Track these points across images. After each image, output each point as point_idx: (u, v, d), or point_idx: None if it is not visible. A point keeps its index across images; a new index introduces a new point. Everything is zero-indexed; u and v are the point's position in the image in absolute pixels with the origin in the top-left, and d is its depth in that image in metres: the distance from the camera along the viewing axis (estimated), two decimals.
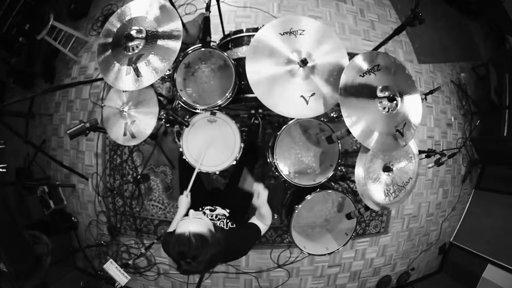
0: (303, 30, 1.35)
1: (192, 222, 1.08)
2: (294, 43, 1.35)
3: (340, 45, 1.38)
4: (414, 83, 1.38)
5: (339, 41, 1.38)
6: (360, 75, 1.25)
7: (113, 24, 1.48)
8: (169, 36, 1.35)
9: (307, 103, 1.33)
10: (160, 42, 1.35)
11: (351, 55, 1.30)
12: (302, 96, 1.33)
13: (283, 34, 1.34)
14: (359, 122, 1.22)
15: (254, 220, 1.34)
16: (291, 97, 1.33)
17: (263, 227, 1.34)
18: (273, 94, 1.31)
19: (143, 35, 1.39)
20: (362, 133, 1.23)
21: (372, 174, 1.47)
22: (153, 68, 1.34)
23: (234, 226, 1.32)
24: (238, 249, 1.26)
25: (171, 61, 1.31)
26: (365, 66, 1.26)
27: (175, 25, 1.35)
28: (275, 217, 2.36)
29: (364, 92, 1.26)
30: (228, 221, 1.33)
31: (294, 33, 1.35)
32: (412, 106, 1.34)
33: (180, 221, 1.14)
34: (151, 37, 1.37)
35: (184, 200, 1.44)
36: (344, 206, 1.84)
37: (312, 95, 1.34)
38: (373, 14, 2.85)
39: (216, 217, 1.35)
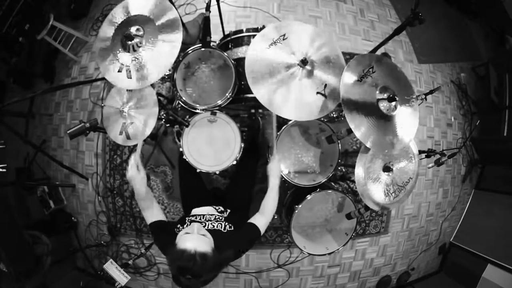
0: (284, 34, 1.35)
1: (198, 240, 1.08)
2: (284, 49, 1.35)
3: (321, 31, 1.41)
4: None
5: (319, 29, 1.39)
6: (358, 80, 1.25)
7: (114, 20, 1.47)
8: (168, 27, 1.33)
9: (326, 96, 1.34)
10: (160, 36, 1.34)
11: (351, 55, 1.31)
12: (318, 92, 1.34)
13: (270, 46, 1.33)
14: (361, 125, 1.22)
15: (254, 219, 1.30)
16: (309, 98, 1.34)
17: (263, 223, 1.27)
18: (291, 105, 1.31)
19: (142, 32, 1.38)
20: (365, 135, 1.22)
21: (372, 174, 1.47)
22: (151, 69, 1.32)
23: (232, 228, 1.30)
24: (236, 252, 1.25)
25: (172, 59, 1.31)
26: (355, 76, 1.26)
27: (172, 15, 1.33)
28: (275, 217, 2.35)
29: (367, 107, 1.26)
30: (226, 223, 1.31)
31: (279, 41, 1.35)
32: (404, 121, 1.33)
33: (184, 234, 1.12)
34: (151, 33, 1.36)
35: (135, 175, 1.25)
36: (344, 206, 1.84)
37: (325, 87, 1.34)
38: (373, 14, 2.85)
39: (214, 218, 1.34)
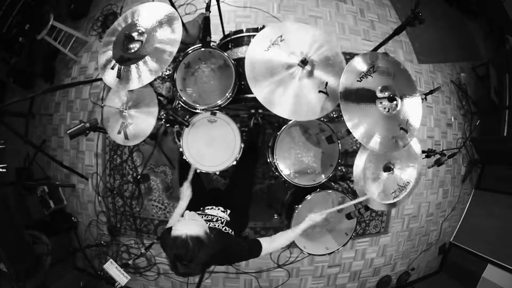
0: (281, 36, 1.35)
1: (188, 224, 1.09)
2: (283, 51, 1.35)
3: (318, 30, 1.41)
4: (414, 82, 1.37)
5: (316, 29, 1.39)
6: (358, 80, 1.25)
7: (120, 24, 1.49)
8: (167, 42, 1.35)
9: (328, 94, 1.34)
10: (157, 45, 1.35)
11: (351, 55, 1.31)
12: (320, 91, 1.33)
13: (268, 49, 1.34)
14: (360, 124, 1.22)
15: (263, 239, 1.29)
16: (310, 97, 1.34)
17: (267, 249, 1.27)
18: (293, 105, 1.31)
19: (144, 39, 1.38)
20: (364, 135, 1.22)
21: (373, 174, 1.46)
22: (148, 69, 1.33)
23: (232, 232, 1.31)
24: (231, 258, 1.26)
25: (166, 63, 1.31)
26: (362, 69, 1.25)
27: (175, 36, 1.34)
28: (275, 217, 2.35)
29: (364, 95, 1.25)
30: (226, 227, 1.32)
31: (277, 42, 1.35)
32: (411, 108, 1.33)
33: (176, 222, 1.14)
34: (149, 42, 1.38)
35: (186, 191, 1.52)
36: None
37: (327, 85, 1.34)
38: (373, 14, 2.85)
39: (216, 220, 1.34)
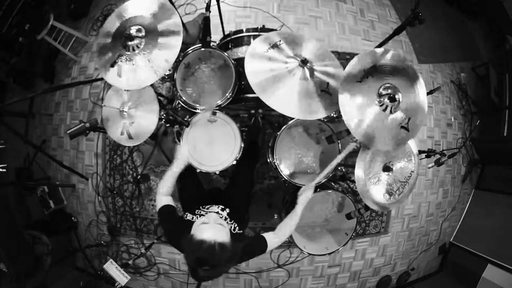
0: (280, 40, 1.39)
1: (217, 229, 1.08)
2: (284, 53, 1.38)
3: (312, 36, 1.43)
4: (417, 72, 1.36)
5: (311, 33, 1.40)
6: (358, 81, 1.25)
7: (112, 23, 1.47)
8: (170, 32, 1.34)
9: (330, 94, 1.36)
10: (161, 39, 1.35)
11: (351, 55, 1.31)
12: (322, 90, 1.36)
13: (268, 50, 1.36)
14: (361, 124, 1.22)
15: (266, 234, 1.28)
16: (315, 98, 1.36)
17: (274, 242, 1.27)
18: (293, 104, 1.33)
19: (143, 34, 1.38)
20: (364, 135, 1.22)
21: (373, 178, 1.47)
22: (156, 65, 1.33)
23: (240, 231, 1.31)
24: (243, 258, 1.25)
25: (173, 57, 1.32)
26: (361, 69, 1.26)
27: (174, 22, 1.34)
28: (275, 217, 2.35)
29: (364, 95, 1.26)
30: (234, 224, 1.32)
31: (277, 45, 1.38)
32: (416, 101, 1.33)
33: (200, 224, 1.12)
34: (151, 35, 1.37)
35: (184, 151, 1.47)
36: (344, 206, 1.83)
37: (328, 85, 1.37)
38: (373, 14, 2.85)
39: (225, 219, 1.34)
